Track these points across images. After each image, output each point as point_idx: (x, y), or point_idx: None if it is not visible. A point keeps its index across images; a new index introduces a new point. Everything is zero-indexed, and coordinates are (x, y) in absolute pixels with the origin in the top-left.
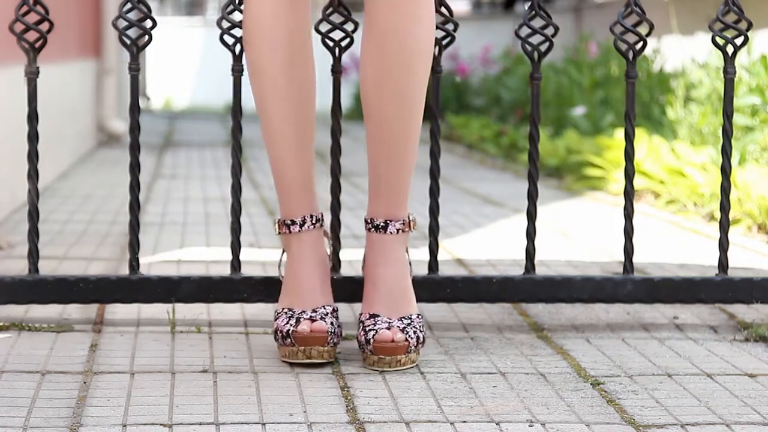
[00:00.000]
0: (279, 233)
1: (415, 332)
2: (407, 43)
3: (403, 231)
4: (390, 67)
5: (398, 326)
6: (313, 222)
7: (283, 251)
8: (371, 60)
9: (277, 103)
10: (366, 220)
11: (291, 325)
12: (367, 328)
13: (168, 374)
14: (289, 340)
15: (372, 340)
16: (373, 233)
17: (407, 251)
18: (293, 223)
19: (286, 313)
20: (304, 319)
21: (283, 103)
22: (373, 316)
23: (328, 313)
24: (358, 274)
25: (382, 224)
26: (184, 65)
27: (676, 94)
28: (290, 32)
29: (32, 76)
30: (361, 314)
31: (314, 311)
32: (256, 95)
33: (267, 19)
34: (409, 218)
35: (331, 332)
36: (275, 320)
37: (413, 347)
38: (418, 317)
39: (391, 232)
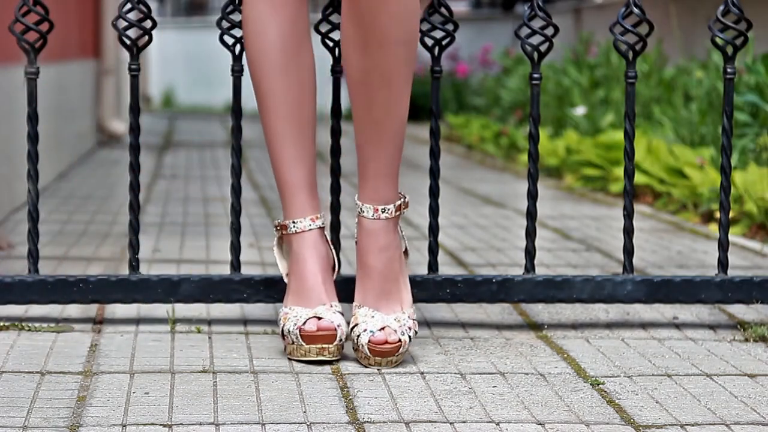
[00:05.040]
0: (280, 234)
1: (407, 330)
2: (386, 25)
3: (393, 215)
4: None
5: (392, 327)
6: (315, 223)
7: (280, 248)
8: (352, 44)
9: (276, 102)
10: (357, 205)
11: (298, 323)
12: (362, 327)
13: (168, 374)
14: (297, 338)
15: (368, 342)
16: (364, 219)
17: (401, 233)
18: (294, 224)
19: (291, 311)
20: (311, 317)
21: (283, 101)
22: (366, 309)
23: (334, 312)
24: None
25: (371, 209)
26: (184, 65)
27: (676, 93)
28: (284, 34)
29: (32, 76)
30: (354, 303)
31: (320, 310)
32: (257, 94)
33: (263, 18)
34: (403, 200)
35: (338, 330)
36: (282, 319)
37: (406, 346)
38: (411, 308)
39: (379, 218)
